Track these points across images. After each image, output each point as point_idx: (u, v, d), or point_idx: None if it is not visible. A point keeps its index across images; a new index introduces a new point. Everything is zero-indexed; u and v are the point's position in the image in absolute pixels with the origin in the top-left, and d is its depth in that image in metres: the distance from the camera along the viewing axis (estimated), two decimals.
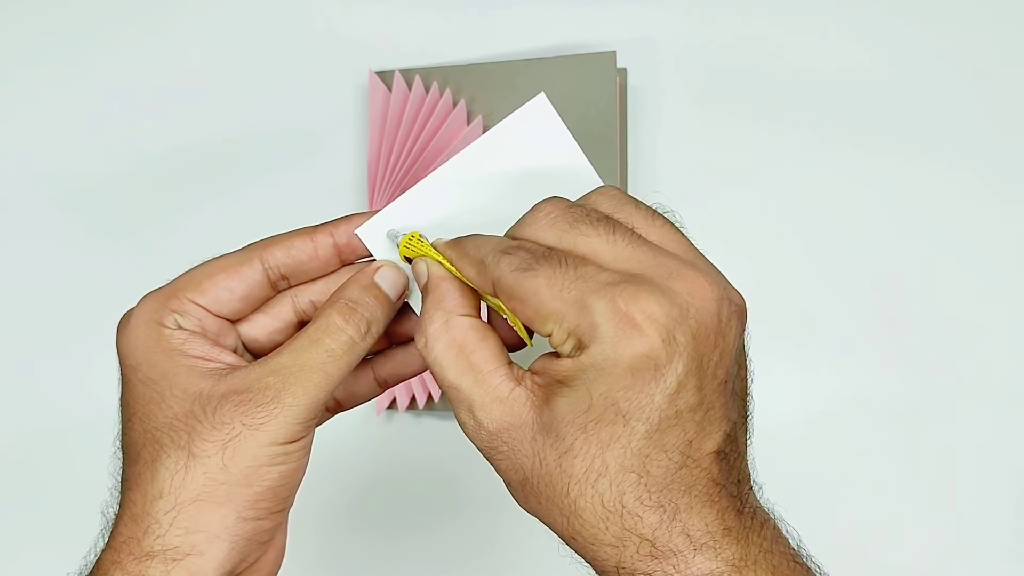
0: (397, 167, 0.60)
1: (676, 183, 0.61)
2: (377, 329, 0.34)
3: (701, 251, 0.31)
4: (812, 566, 0.30)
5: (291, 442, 0.32)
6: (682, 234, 0.32)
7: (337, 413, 0.39)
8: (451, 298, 0.32)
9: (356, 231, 0.35)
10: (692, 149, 0.61)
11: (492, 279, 0.31)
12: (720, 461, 0.29)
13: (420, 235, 0.34)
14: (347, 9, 0.65)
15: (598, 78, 0.58)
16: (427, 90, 0.61)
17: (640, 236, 0.30)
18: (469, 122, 0.60)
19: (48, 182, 0.66)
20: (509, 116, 0.35)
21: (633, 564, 0.28)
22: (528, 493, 0.30)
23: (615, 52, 0.58)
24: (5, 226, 0.67)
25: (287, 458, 0.32)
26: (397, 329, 0.37)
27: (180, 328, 0.34)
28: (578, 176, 0.35)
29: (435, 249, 0.34)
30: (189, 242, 0.65)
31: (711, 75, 0.61)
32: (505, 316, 0.32)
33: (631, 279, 0.28)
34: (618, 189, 0.32)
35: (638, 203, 0.32)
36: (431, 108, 0.60)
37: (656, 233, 0.31)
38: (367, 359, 0.38)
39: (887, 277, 0.59)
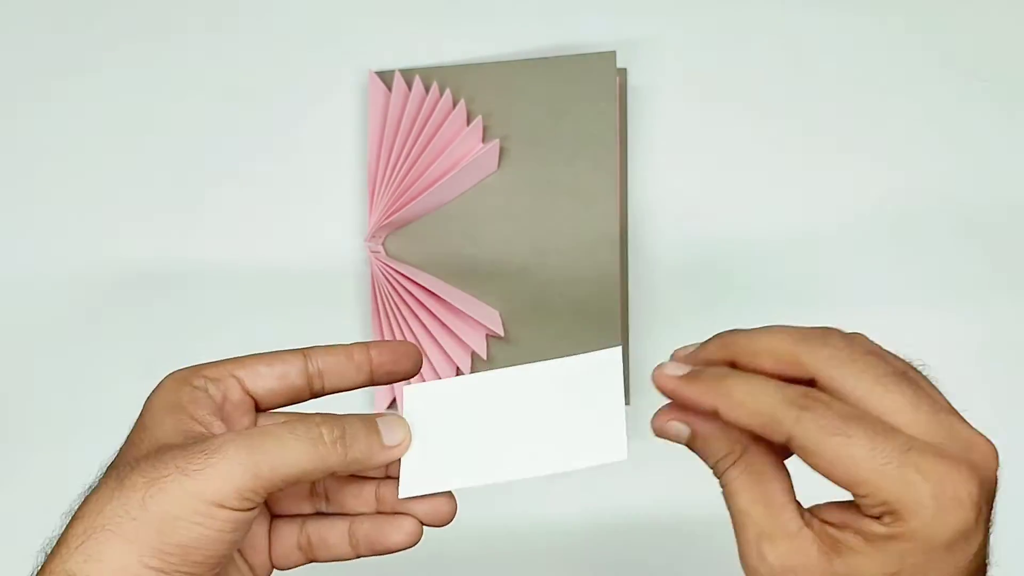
0: (397, 167, 0.60)
1: (676, 183, 0.61)
2: (352, 445, 0.34)
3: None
4: None
5: (218, 505, 0.31)
6: (937, 388, 0.32)
7: (308, 561, 0.38)
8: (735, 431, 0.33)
9: (404, 388, 0.37)
10: (692, 149, 0.61)
11: (789, 435, 0.30)
12: None
13: None
14: (347, 9, 0.64)
15: (598, 78, 0.58)
16: (427, 90, 0.61)
17: (932, 397, 0.31)
18: (469, 122, 0.60)
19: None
20: (579, 356, 0.36)
21: None
22: None
23: (615, 52, 0.58)
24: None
25: (208, 522, 0.31)
26: (385, 495, 0.37)
27: (202, 390, 0.35)
28: (606, 427, 0.35)
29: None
30: (186, 245, 0.64)
31: (711, 75, 0.61)
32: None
33: (945, 456, 0.29)
34: (866, 338, 0.33)
35: (896, 355, 0.32)
36: (431, 108, 0.60)
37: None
38: (348, 515, 0.38)
39: (900, 281, 0.59)
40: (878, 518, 0.29)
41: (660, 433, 0.34)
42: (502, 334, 0.59)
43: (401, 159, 0.60)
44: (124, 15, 0.66)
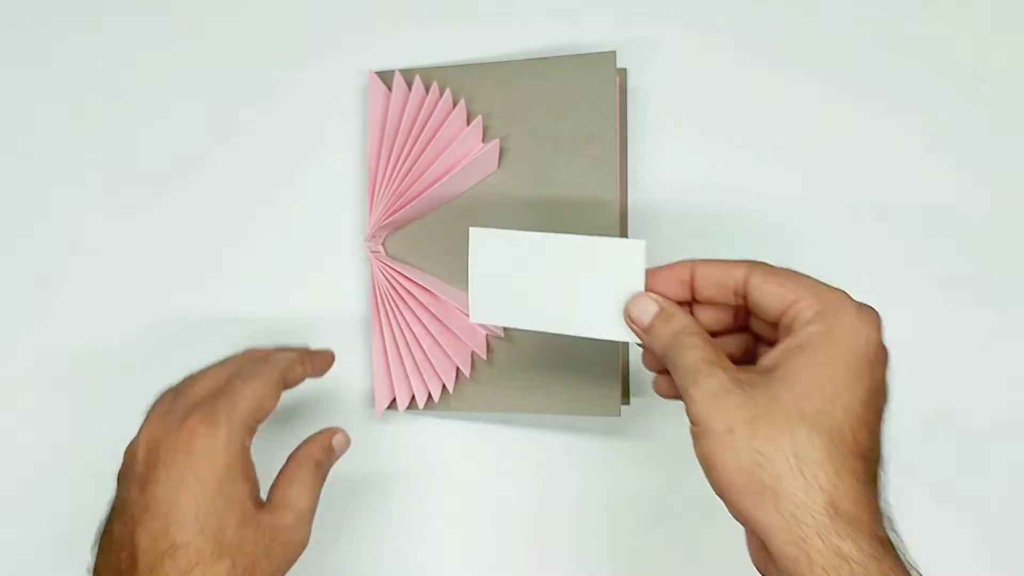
0: (397, 167, 0.60)
1: (676, 183, 0.61)
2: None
3: None
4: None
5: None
6: None
7: None
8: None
9: (471, 229, 0.47)
10: (692, 149, 0.61)
11: (748, 268, 0.41)
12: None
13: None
14: (347, 9, 0.64)
15: (598, 78, 0.58)
16: (427, 90, 0.61)
17: None
18: (469, 122, 0.60)
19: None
20: (604, 237, 0.44)
21: None
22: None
23: (615, 52, 0.58)
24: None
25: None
26: None
27: (247, 450, 0.46)
28: (625, 283, 0.43)
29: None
30: (184, 244, 0.65)
31: (711, 75, 0.61)
32: None
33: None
34: None
35: None
36: (431, 108, 0.60)
37: None
38: None
39: (898, 279, 0.59)
40: (811, 323, 0.38)
41: (631, 311, 0.42)
42: (502, 334, 0.59)
43: (401, 159, 0.60)
44: (122, 14, 0.66)
